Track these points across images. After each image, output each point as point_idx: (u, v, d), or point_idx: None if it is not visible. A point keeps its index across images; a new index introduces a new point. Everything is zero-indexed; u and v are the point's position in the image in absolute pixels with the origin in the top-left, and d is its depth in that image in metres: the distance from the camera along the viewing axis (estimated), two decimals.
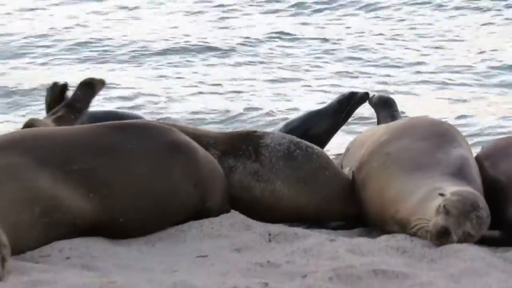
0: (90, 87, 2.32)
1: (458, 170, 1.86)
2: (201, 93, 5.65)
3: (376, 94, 2.96)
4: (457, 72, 6.10)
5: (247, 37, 7.21)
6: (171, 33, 7.53)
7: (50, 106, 2.46)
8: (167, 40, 7.18)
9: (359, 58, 6.52)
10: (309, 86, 5.72)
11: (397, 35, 7.39)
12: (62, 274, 1.59)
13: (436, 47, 6.95)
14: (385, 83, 5.73)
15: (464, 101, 5.25)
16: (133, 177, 1.77)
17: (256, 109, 4.95)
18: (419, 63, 6.35)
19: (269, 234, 1.87)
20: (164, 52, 6.74)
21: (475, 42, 7.05)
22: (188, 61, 6.56)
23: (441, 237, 1.65)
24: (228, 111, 4.89)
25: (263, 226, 1.96)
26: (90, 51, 6.79)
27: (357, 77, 5.95)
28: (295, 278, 1.54)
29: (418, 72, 6.13)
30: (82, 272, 1.63)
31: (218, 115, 4.84)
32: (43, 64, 6.52)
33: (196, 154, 1.88)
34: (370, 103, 2.89)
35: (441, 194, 1.71)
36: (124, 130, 1.88)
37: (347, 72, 6.14)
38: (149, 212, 1.77)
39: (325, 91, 5.43)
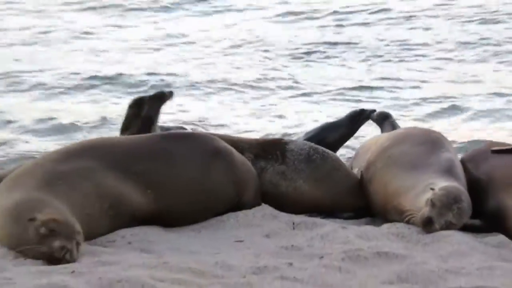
0: (161, 99, 2.67)
1: (447, 170, 2.19)
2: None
3: (376, 111, 3.35)
4: None
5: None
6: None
7: (129, 120, 2.79)
8: None
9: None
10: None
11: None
12: (125, 255, 1.92)
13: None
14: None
15: None
16: (183, 177, 2.11)
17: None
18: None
19: (293, 223, 2.22)
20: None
21: None
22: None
23: (426, 225, 2.00)
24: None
25: (288, 217, 2.31)
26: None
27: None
28: (314, 259, 1.87)
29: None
30: (141, 254, 1.96)
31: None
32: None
33: (233, 158, 2.23)
34: (372, 119, 3.29)
35: (432, 189, 2.05)
36: (175, 139, 2.26)
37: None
38: (195, 205, 2.12)
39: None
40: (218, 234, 2.10)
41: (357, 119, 3.23)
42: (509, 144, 2.36)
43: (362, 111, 3.28)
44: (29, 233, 1.78)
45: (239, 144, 2.41)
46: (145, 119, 2.65)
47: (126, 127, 2.71)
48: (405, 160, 2.29)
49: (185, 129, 3.17)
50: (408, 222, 2.11)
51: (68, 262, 1.75)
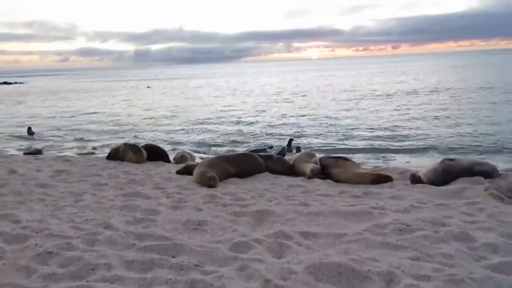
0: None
1: (315, 162, 7.30)
2: None
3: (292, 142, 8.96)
4: None
5: None
6: None
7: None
8: None
9: None
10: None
11: None
12: (226, 187, 6.83)
13: None
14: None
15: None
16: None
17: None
18: None
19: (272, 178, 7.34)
20: None
21: None
22: None
23: (310, 176, 7.15)
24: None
25: (268, 175, 7.33)
26: None
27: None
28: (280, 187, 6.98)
29: None
30: (240, 187, 6.88)
31: None
32: None
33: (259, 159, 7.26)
34: (289, 146, 8.66)
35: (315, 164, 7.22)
36: (247, 155, 7.23)
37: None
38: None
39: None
40: (256, 179, 7.01)
41: (289, 145, 8.56)
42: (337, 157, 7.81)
43: (291, 140, 8.65)
44: (203, 179, 6.62)
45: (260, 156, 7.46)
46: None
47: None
48: (304, 159, 7.40)
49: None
50: (304, 175, 7.19)
51: (214, 186, 6.55)
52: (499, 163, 8.39)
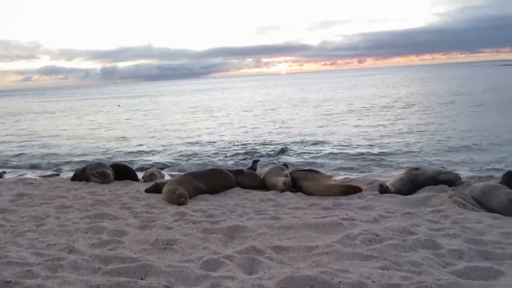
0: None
1: (286, 175, 7.31)
2: None
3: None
4: None
5: None
6: None
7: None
8: None
9: None
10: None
11: None
12: (197, 204, 6.77)
13: None
14: None
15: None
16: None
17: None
18: None
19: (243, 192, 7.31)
20: None
21: None
22: None
23: (283, 189, 7.15)
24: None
25: (240, 190, 7.30)
26: None
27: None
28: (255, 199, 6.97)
29: None
30: (210, 203, 6.81)
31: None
32: None
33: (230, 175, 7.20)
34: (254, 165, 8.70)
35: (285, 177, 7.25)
36: (217, 170, 7.16)
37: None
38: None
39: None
40: (227, 195, 6.96)
41: (256, 162, 8.59)
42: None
43: (257, 160, 8.68)
44: (173, 196, 6.52)
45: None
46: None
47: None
48: (275, 172, 7.43)
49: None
50: (275, 189, 7.18)
51: (184, 204, 6.46)
52: (463, 171, 8.71)
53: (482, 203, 5.53)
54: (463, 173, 8.28)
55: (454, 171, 7.40)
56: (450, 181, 6.64)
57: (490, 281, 3.31)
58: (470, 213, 5.23)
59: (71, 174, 9.45)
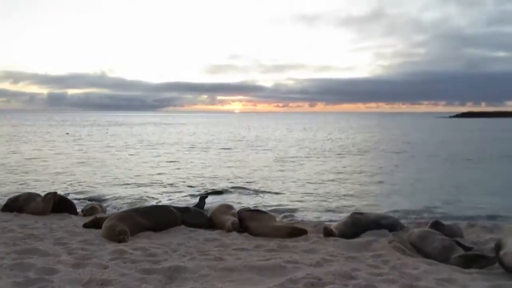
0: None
1: (233, 214, 7.27)
2: None
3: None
4: None
5: None
6: None
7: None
8: None
9: None
10: None
11: None
12: (138, 241, 6.46)
13: None
14: None
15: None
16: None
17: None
18: None
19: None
20: None
21: None
22: None
23: (230, 229, 7.04)
24: None
25: (185, 228, 7.10)
26: None
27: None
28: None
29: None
30: (153, 241, 6.51)
31: None
32: None
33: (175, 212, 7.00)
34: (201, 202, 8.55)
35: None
36: (161, 207, 6.90)
37: None
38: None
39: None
40: (171, 233, 6.70)
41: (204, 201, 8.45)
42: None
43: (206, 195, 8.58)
44: (112, 233, 6.19)
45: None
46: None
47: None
48: (222, 211, 7.33)
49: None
50: (222, 228, 7.03)
51: (124, 241, 6.13)
52: (404, 216, 9.07)
53: (419, 248, 5.76)
54: (404, 217, 8.62)
55: (394, 216, 7.69)
56: (391, 225, 6.89)
57: None
58: (408, 258, 5.41)
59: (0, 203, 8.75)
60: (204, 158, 21.50)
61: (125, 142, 32.20)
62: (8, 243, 5.73)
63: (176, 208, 7.35)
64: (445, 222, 6.97)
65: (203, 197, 9.15)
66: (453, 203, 11.01)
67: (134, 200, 10.98)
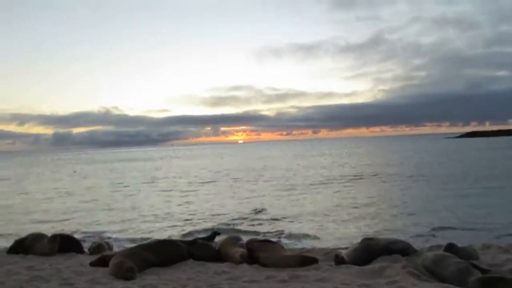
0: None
1: (241, 245, 7.08)
2: None
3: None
4: None
5: None
6: None
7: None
8: None
9: None
10: None
11: None
12: (146, 278, 6.32)
13: None
14: None
15: None
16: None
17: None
18: None
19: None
20: None
21: None
22: None
23: (240, 261, 6.89)
24: None
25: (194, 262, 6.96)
26: None
27: None
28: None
29: None
30: (160, 277, 6.37)
31: None
32: None
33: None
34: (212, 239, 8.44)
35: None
36: (168, 241, 6.81)
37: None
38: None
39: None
40: (179, 268, 6.55)
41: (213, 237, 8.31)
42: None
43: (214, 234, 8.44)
44: (120, 270, 6.07)
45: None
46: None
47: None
48: (230, 243, 7.17)
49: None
50: (231, 260, 6.84)
51: (132, 278, 5.98)
52: (420, 238, 8.86)
53: (434, 273, 5.56)
54: (416, 240, 8.40)
55: (406, 241, 7.50)
56: (403, 250, 6.69)
57: None
58: (424, 284, 5.22)
59: (7, 245, 8.65)
60: (212, 190, 21.36)
61: (136, 177, 32.19)
62: (14, 286, 5.61)
63: (183, 241, 7.21)
64: (459, 244, 6.77)
65: (215, 233, 8.99)
66: (466, 224, 10.79)
67: (141, 236, 10.83)
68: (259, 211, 14.15)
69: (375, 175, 25.70)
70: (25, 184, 29.47)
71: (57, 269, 6.61)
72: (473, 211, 12.63)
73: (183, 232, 11.24)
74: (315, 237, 10.00)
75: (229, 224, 11.94)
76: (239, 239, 7.51)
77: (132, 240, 10.24)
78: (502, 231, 9.73)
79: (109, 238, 10.53)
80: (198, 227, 11.81)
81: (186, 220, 13.21)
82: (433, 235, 9.49)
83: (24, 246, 7.97)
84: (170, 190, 22.38)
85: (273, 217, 12.88)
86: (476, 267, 5.41)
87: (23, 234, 9.59)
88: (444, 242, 7.07)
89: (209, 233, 9.22)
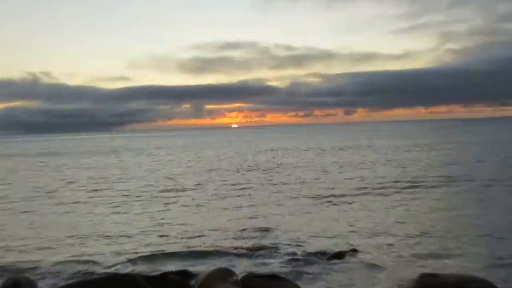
0: None
1: (235, 281, 7.08)
2: None
3: None
4: None
5: None
6: None
7: None
8: None
9: None
10: None
11: None
12: None
13: None
14: None
15: None
16: None
17: None
18: None
19: None
20: None
21: None
22: None
23: None
24: None
25: None
26: None
27: None
28: None
29: None
30: None
31: None
32: None
33: None
34: None
35: None
36: (119, 278, 6.71)
37: None
38: None
39: None
40: None
41: None
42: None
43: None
44: None
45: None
46: None
47: None
48: (218, 278, 7.12)
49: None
50: None
51: None
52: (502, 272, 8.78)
53: None
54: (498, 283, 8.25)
55: (486, 279, 7.41)
56: None
57: None
58: None
59: None
60: (194, 201, 21.24)
61: (64, 180, 32.29)
62: None
63: (149, 277, 7.18)
64: None
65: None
66: None
67: (80, 266, 10.74)
68: (265, 230, 14.17)
69: (449, 180, 25.28)
70: None
71: None
72: None
73: (143, 261, 11.11)
74: (351, 258, 9.99)
75: (218, 247, 11.95)
76: (231, 273, 7.53)
77: (69, 275, 10.13)
78: None
79: (33, 269, 10.51)
80: (167, 251, 11.77)
81: (149, 244, 13.12)
82: None
83: None
84: (125, 197, 22.42)
85: (287, 239, 12.85)
86: None
87: None
88: None
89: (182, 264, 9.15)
